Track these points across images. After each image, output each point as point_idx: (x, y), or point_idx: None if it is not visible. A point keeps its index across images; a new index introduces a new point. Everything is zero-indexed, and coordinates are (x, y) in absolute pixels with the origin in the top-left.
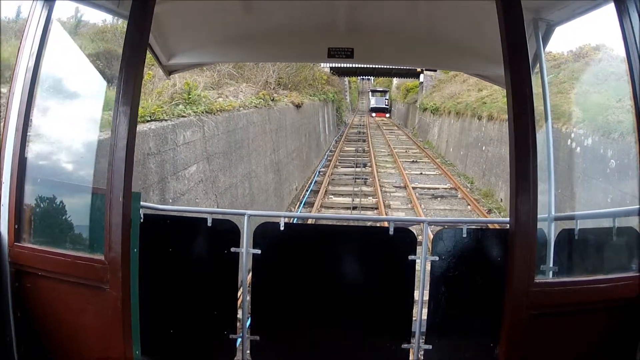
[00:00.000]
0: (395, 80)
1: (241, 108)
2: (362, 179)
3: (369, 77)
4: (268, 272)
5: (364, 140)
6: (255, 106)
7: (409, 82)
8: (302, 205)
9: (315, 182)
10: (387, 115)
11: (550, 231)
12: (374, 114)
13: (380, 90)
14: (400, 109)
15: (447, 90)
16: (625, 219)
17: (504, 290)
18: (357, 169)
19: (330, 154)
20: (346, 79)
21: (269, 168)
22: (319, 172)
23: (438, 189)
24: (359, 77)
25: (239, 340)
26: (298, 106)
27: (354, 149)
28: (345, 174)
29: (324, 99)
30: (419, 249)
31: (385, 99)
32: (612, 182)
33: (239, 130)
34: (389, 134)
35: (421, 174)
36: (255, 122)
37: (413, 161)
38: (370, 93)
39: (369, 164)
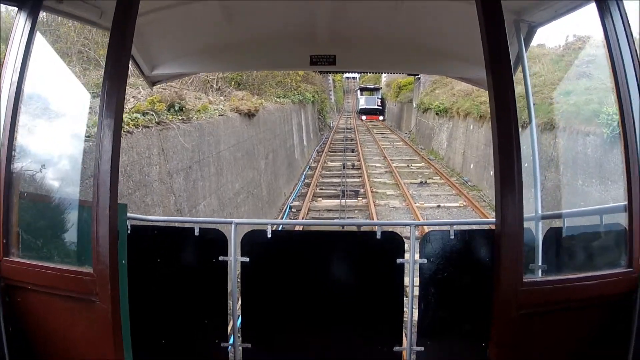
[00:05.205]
0: (384, 77)
1: None
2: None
3: (354, 75)
4: (257, 279)
5: (353, 150)
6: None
7: (401, 78)
8: None
9: None
10: (381, 118)
11: (538, 230)
12: (364, 117)
13: (370, 87)
14: (391, 109)
15: (459, 86)
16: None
17: (493, 290)
18: (345, 201)
19: (310, 172)
20: (330, 76)
21: None
22: (290, 208)
23: None
24: (343, 75)
25: (231, 348)
26: (250, 115)
27: (340, 164)
28: (329, 210)
29: (300, 100)
30: (407, 252)
31: (378, 97)
32: None
33: None
34: (382, 139)
35: (439, 206)
36: None
37: (421, 182)
38: (358, 92)
39: (361, 191)
